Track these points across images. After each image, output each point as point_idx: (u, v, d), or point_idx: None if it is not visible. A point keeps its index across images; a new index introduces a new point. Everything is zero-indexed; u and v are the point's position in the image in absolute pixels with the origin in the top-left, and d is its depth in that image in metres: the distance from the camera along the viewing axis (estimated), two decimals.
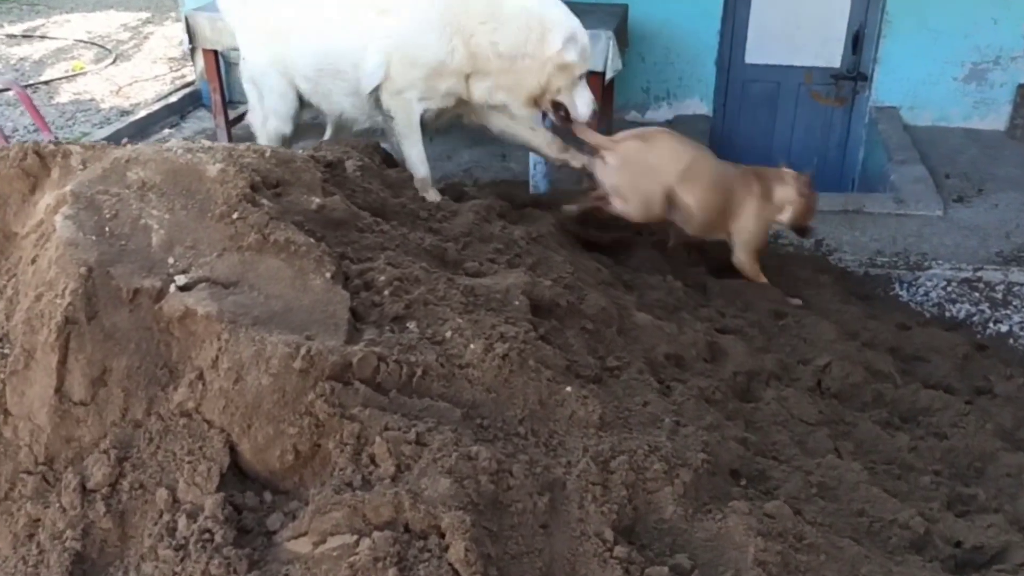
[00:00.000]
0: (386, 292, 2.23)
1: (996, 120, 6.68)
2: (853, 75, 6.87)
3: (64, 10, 10.51)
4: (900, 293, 4.45)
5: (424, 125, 3.93)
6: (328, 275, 2.12)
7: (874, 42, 6.69)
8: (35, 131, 6.56)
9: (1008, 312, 4.25)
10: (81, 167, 2.21)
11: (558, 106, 3.76)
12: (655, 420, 2.37)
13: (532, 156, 4.72)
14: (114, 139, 6.35)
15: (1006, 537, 2.41)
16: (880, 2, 6.55)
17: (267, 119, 4.18)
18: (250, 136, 4.36)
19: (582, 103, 3.77)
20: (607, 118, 6.47)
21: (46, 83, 7.76)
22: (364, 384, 1.96)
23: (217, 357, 1.90)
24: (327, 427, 1.88)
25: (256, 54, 4.11)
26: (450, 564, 1.74)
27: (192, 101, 7.32)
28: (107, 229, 2.02)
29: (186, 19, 5.89)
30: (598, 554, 1.91)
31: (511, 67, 3.59)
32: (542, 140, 4.08)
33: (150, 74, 8.01)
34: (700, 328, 3.13)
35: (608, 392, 2.44)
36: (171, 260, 2.04)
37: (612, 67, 5.54)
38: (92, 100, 7.37)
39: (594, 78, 5.53)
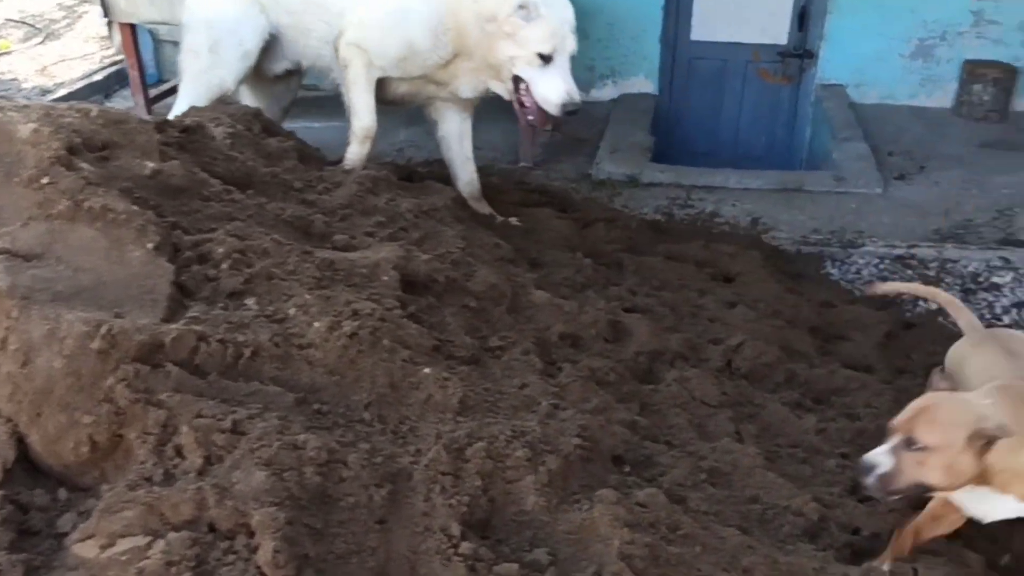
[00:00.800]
0: (224, 265, 2.02)
1: (942, 97, 6.53)
2: (800, 52, 6.70)
3: None
4: (831, 271, 4.30)
5: (392, 103, 3.77)
6: (151, 246, 1.91)
7: (820, 19, 6.53)
8: None
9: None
10: None
11: (518, 81, 3.46)
12: (530, 403, 2.19)
13: None
14: None
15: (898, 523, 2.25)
16: None
17: (213, 67, 3.86)
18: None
19: (549, 89, 3.41)
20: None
21: None
22: (179, 366, 1.75)
23: (5, 338, 1.69)
24: (129, 415, 1.68)
25: None
26: (258, 567, 1.55)
27: (119, 79, 7.03)
28: None
29: None
30: (441, 551, 1.72)
31: (483, 31, 3.37)
32: (466, 175, 3.90)
33: (79, 53, 7.70)
34: (604, 307, 2.94)
35: (483, 374, 2.25)
36: None
37: None
38: (14, 80, 7.07)
39: None
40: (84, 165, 1.98)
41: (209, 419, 1.69)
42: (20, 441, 1.67)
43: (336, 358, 1.93)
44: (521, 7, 3.29)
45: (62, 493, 1.68)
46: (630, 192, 5.29)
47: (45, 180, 1.90)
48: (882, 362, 3.34)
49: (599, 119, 6.44)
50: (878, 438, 2.75)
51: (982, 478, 1.96)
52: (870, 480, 2.00)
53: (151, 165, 2.15)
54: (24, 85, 6.95)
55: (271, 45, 3.88)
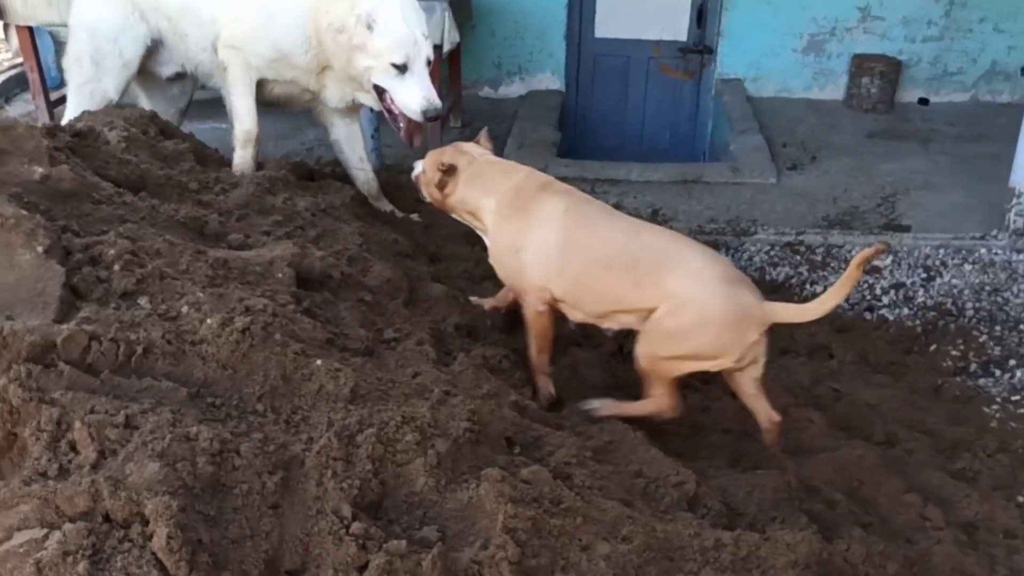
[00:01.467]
0: (116, 267, 2.08)
1: (834, 90, 6.87)
2: (699, 48, 6.96)
3: None
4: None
5: (273, 103, 3.79)
6: (40, 249, 1.95)
7: (717, 16, 6.79)
8: None
9: (825, 274, 4.35)
10: None
11: (381, 92, 3.48)
12: (422, 391, 2.29)
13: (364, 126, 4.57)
14: None
15: (775, 492, 2.43)
16: None
17: (100, 79, 3.88)
18: None
19: (409, 98, 3.38)
20: (455, 92, 6.40)
21: None
22: (71, 365, 1.81)
23: None
24: (23, 414, 1.73)
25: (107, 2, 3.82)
26: (153, 553, 1.63)
27: (19, 83, 6.89)
28: None
29: None
30: (333, 532, 1.82)
31: (336, 42, 3.41)
32: (363, 175, 3.96)
33: None
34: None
35: (377, 364, 2.34)
36: None
37: (448, 39, 5.45)
38: None
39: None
40: None
41: (102, 415, 1.75)
42: None
43: (229, 353, 2.01)
44: (361, 18, 3.31)
45: None
46: None
47: None
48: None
49: (508, 116, 6.59)
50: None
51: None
52: (413, 177, 3.04)
53: (40, 170, 2.19)
54: None
55: (157, 49, 3.91)
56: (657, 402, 2.66)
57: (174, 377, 1.94)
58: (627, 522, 2.13)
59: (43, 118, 5.67)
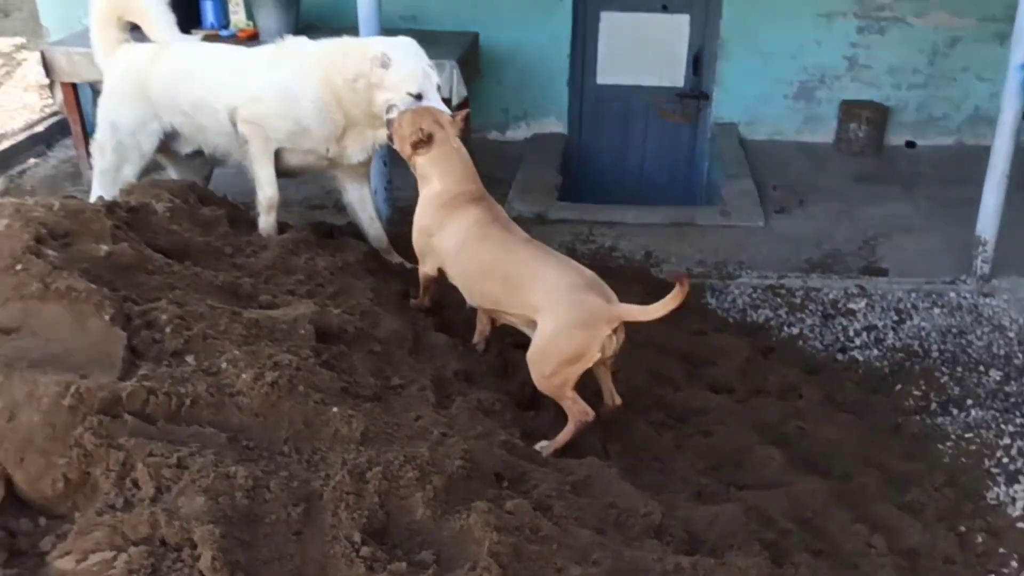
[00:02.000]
0: (167, 330, 2.48)
1: (825, 134, 7.22)
2: (696, 94, 7.34)
3: None
4: (710, 301, 4.86)
5: (290, 173, 4.21)
6: (107, 317, 2.36)
7: (712, 64, 7.17)
8: None
9: (803, 316, 4.69)
10: None
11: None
12: (424, 432, 2.67)
13: (376, 178, 4.98)
14: None
15: (734, 523, 2.78)
16: (715, 26, 7.03)
17: (121, 167, 4.36)
18: None
19: None
20: (464, 139, 6.81)
21: None
22: (133, 416, 2.20)
23: None
24: (95, 456, 2.12)
25: (130, 96, 4.29)
26: (200, 572, 2.01)
27: (61, 130, 7.36)
28: None
29: (42, 54, 6.01)
30: (346, 555, 2.19)
31: (354, 91, 3.83)
32: (374, 232, 4.35)
33: (19, 102, 8.01)
34: (496, 345, 3.45)
35: (385, 409, 2.73)
36: None
37: (457, 93, 5.85)
38: None
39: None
40: (50, 252, 2.43)
41: (159, 457, 2.14)
42: (8, 481, 2.11)
43: (260, 403, 2.40)
44: (376, 59, 3.76)
45: (42, 521, 2.12)
46: (538, 229, 5.77)
47: (19, 267, 2.35)
48: (742, 384, 3.89)
49: (513, 158, 6.98)
50: (727, 452, 3.33)
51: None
52: (386, 120, 3.66)
53: (105, 248, 2.60)
54: None
55: (175, 136, 4.37)
56: (574, 415, 3.08)
57: (216, 424, 2.33)
58: (598, 548, 2.49)
59: (83, 166, 6.13)
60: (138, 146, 4.35)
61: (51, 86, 6.08)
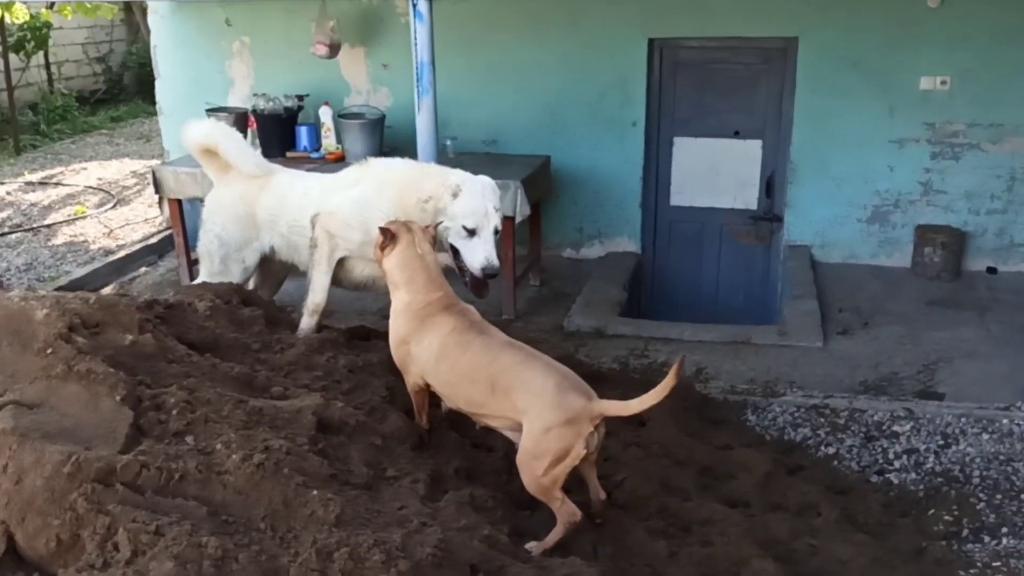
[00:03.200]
0: (173, 412, 2.76)
1: (902, 258, 7.15)
2: (769, 216, 7.45)
3: (84, 159, 11.61)
4: (750, 417, 4.85)
5: (356, 287, 4.63)
6: (118, 398, 2.67)
7: (784, 188, 7.29)
8: (25, 270, 7.36)
9: (843, 436, 4.62)
10: None
11: (455, 251, 4.27)
12: (403, 521, 2.83)
13: None
14: (91, 278, 7.12)
15: None
16: (786, 151, 7.18)
17: (222, 273, 4.84)
18: None
19: (473, 257, 4.20)
20: (533, 253, 7.14)
21: (48, 226, 8.64)
22: (125, 486, 2.47)
23: (7, 464, 2.44)
24: (84, 520, 2.38)
25: (239, 218, 4.84)
26: None
27: (171, 243, 8.08)
28: None
29: (153, 173, 6.72)
30: None
31: (423, 210, 4.21)
32: None
33: (142, 216, 8.86)
34: (503, 446, 3.60)
35: (371, 497, 2.90)
36: None
37: (520, 212, 6.18)
38: (84, 241, 8.20)
39: (506, 222, 6.21)
40: (79, 339, 2.78)
41: (140, 524, 2.38)
42: (10, 538, 2.39)
43: (244, 482, 2.62)
44: (450, 187, 4.17)
45: None
46: (595, 343, 5.96)
47: (49, 351, 2.70)
48: (759, 500, 3.87)
49: (584, 275, 7.21)
50: (724, 563, 3.32)
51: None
52: None
53: (130, 337, 2.95)
54: (92, 247, 8.04)
55: (272, 253, 4.93)
56: (562, 516, 3.16)
57: (200, 498, 2.56)
58: None
59: (183, 274, 6.72)
60: (242, 260, 4.90)
61: (160, 202, 6.76)
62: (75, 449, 2.49)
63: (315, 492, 2.69)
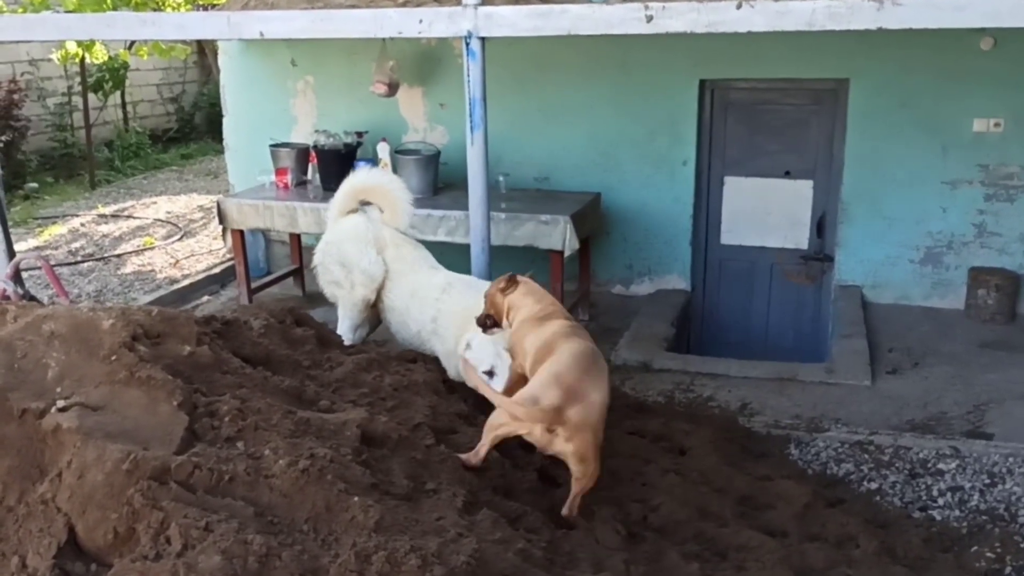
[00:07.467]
0: (226, 419, 2.92)
1: (955, 300, 7.08)
2: (820, 256, 7.45)
3: (154, 194, 12.10)
4: (793, 452, 4.86)
5: None
6: (175, 403, 2.83)
7: (834, 228, 7.30)
8: (95, 296, 7.69)
9: (887, 473, 4.60)
10: (12, 320, 3.04)
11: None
12: (440, 531, 2.93)
13: None
14: (156, 305, 7.42)
15: None
16: (837, 192, 7.20)
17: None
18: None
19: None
20: (583, 288, 7.25)
21: (117, 256, 9.03)
22: (178, 484, 2.62)
23: (71, 460, 2.61)
24: (140, 514, 2.54)
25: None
26: None
27: (234, 272, 8.38)
28: (16, 365, 2.81)
29: (217, 204, 7.01)
30: None
31: None
32: (452, 371, 4.70)
33: (207, 248, 9.21)
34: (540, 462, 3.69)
35: (411, 507, 3.02)
36: (59, 389, 2.80)
37: (569, 247, 6.31)
38: (151, 271, 8.55)
39: (555, 256, 6.34)
40: (141, 348, 2.97)
41: (191, 520, 2.53)
42: (71, 529, 2.55)
43: (290, 486, 2.76)
44: (463, 341, 4.27)
45: (93, 567, 2.54)
46: (641, 376, 6.02)
47: (114, 358, 2.89)
48: (797, 529, 3.88)
49: (633, 311, 7.29)
50: None
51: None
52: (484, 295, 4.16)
53: (188, 348, 3.13)
54: (158, 276, 8.38)
55: None
56: (472, 453, 3.45)
57: (247, 499, 2.70)
58: None
59: (243, 301, 6.97)
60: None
61: (224, 232, 7.04)
62: (134, 448, 2.65)
63: (356, 499, 2.82)
